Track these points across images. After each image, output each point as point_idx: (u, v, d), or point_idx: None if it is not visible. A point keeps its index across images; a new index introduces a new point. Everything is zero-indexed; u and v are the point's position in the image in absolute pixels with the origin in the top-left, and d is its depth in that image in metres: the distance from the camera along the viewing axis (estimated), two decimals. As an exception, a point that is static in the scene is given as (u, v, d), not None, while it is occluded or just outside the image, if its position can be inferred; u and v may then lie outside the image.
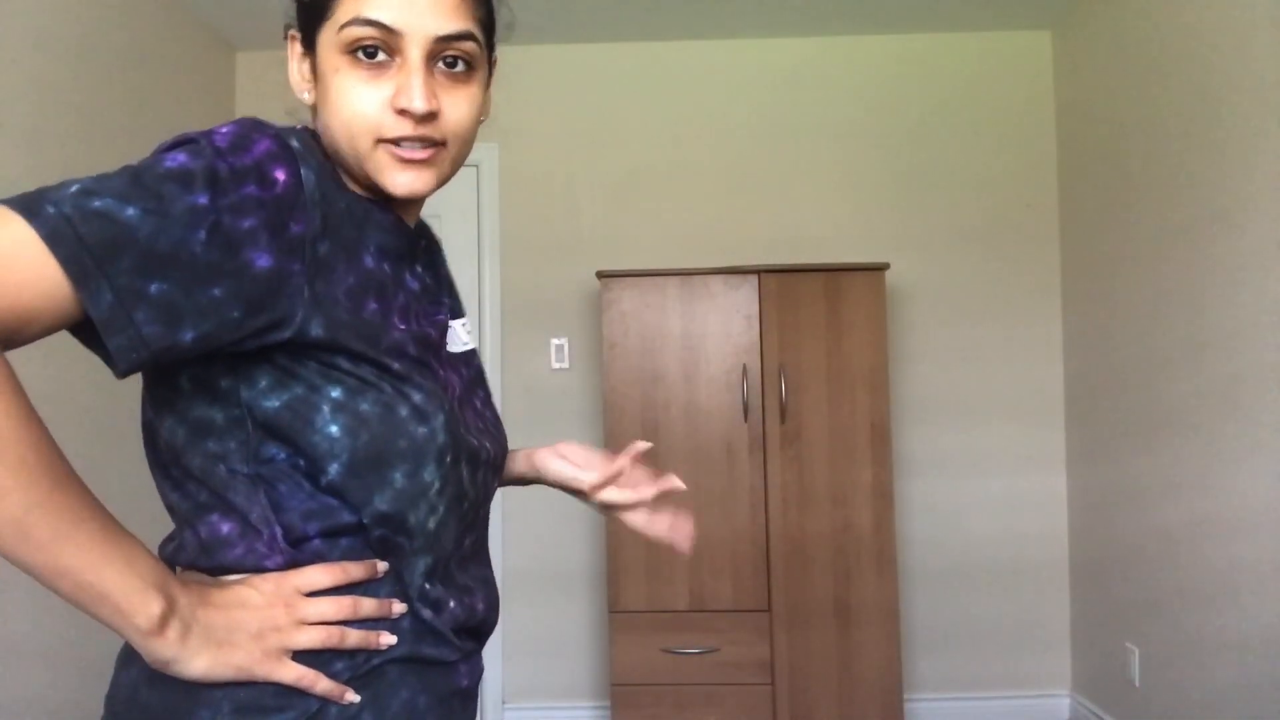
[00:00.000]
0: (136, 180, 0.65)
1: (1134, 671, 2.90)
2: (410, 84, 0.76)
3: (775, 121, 3.53)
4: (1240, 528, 2.38)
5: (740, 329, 2.99)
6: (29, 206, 0.62)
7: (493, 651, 3.44)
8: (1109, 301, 3.06)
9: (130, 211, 0.64)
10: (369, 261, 0.80)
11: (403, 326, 0.81)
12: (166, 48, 3.13)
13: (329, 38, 0.78)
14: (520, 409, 3.49)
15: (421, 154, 0.78)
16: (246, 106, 3.58)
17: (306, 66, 0.83)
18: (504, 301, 3.55)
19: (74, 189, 0.63)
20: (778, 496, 2.94)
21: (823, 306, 2.97)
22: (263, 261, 0.69)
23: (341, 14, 0.77)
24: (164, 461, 0.78)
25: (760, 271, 2.99)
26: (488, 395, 0.97)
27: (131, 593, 0.66)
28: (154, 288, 0.64)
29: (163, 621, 0.67)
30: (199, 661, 0.70)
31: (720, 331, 3.00)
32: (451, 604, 0.84)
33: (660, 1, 3.22)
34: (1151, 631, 2.82)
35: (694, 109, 3.55)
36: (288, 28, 0.84)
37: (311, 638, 0.74)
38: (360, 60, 0.77)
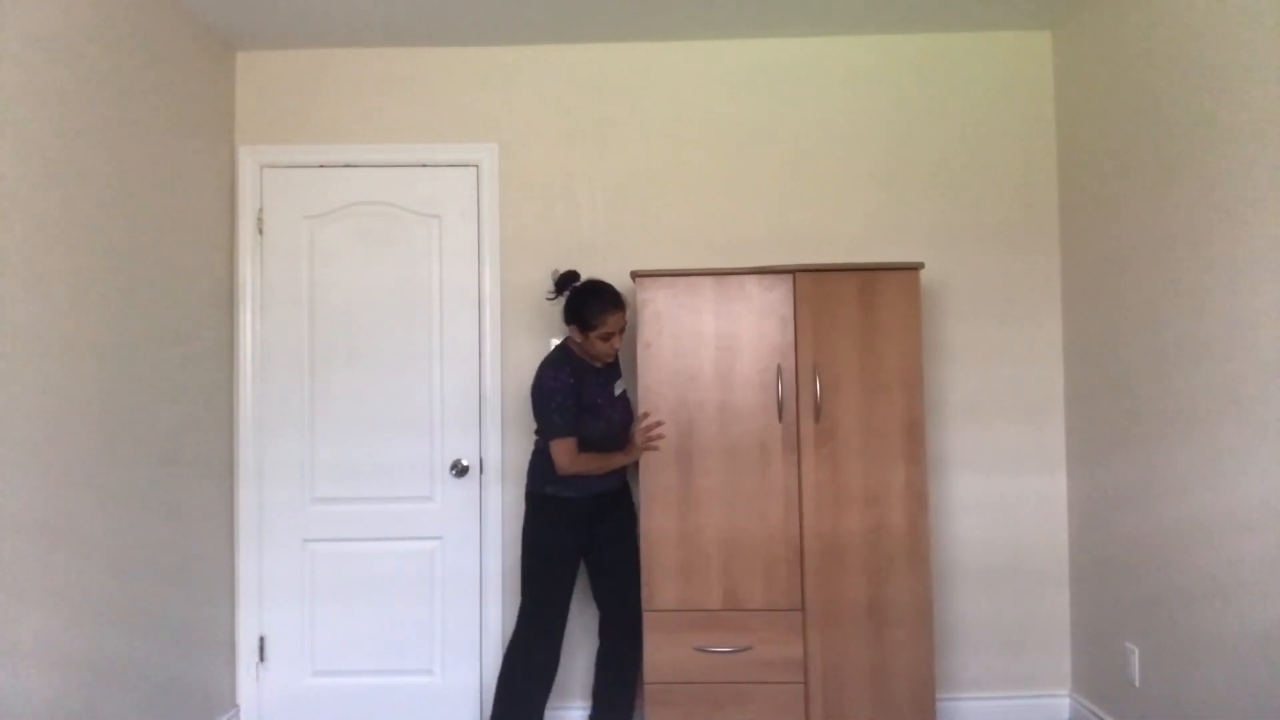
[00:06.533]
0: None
1: (1134, 671, 2.94)
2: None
3: (772, 122, 3.51)
4: (1240, 528, 2.42)
5: (775, 329, 2.98)
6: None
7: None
8: (1108, 302, 3.10)
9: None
10: None
11: None
12: (166, 48, 3.05)
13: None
14: (520, 409, 3.42)
15: None
16: (246, 106, 3.43)
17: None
18: (504, 301, 3.47)
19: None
20: (812, 496, 2.95)
21: (856, 306, 2.98)
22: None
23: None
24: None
25: (795, 271, 2.98)
26: None
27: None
28: None
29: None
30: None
31: (755, 331, 2.98)
32: None
33: (660, 2, 3.16)
34: (1151, 631, 2.86)
35: (692, 109, 3.52)
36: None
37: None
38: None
